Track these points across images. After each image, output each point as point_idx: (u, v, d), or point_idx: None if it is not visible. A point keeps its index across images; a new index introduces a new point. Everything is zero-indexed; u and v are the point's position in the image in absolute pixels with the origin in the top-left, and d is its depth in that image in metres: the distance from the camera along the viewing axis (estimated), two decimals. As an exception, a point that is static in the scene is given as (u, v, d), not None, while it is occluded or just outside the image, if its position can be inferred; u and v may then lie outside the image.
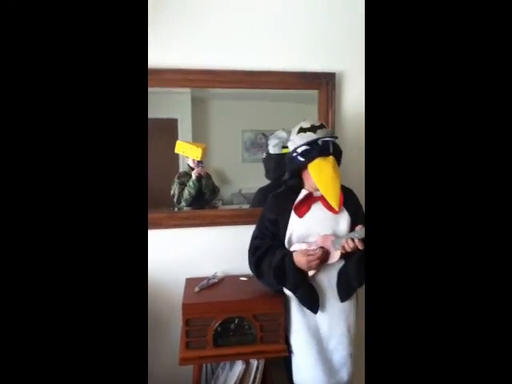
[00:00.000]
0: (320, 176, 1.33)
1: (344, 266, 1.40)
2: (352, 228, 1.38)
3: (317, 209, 1.41)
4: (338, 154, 1.40)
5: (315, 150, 1.33)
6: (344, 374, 1.45)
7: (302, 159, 1.35)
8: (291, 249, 1.41)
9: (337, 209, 1.33)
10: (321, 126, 1.39)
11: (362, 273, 1.36)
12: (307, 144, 1.35)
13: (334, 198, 1.32)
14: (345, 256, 1.38)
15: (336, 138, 1.41)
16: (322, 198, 1.40)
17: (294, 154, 1.38)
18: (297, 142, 1.38)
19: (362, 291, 1.56)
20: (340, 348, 1.43)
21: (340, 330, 1.43)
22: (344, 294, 1.41)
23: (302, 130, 1.38)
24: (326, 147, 1.34)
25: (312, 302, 1.39)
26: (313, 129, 1.37)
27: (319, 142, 1.34)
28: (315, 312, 1.39)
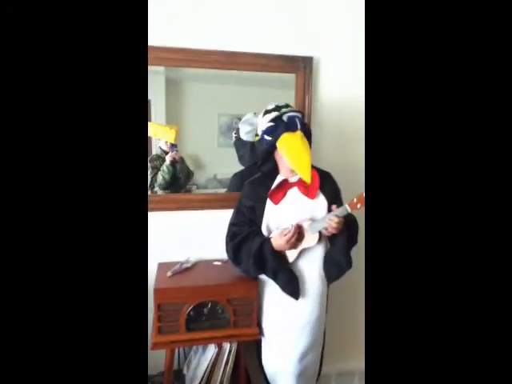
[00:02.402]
0: (288, 150, 1.31)
1: (330, 250, 1.41)
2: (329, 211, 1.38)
3: (293, 195, 1.40)
4: (306, 132, 1.38)
5: (281, 127, 1.32)
6: (311, 358, 1.47)
7: (268, 138, 1.34)
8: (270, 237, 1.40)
9: (309, 182, 1.33)
10: (285, 106, 1.38)
11: (349, 255, 1.39)
12: (272, 121, 1.33)
13: (304, 171, 1.31)
14: (329, 240, 1.39)
15: (300, 112, 1.40)
16: (297, 184, 1.40)
17: (261, 135, 1.37)
18: (263, 124, 1.37)
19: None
20: (310, 333, 1.44)
21: (312, 315, 1.44)
22: (332, 275, 1.42)
23: (266, 112, 1.38)
24: (292, 123, 1.33)
25: (293, 288, 1.38)
26: (277, 108, 1.36)
27: (284, 118, 1.33)
28: (296, 298, 1.38)
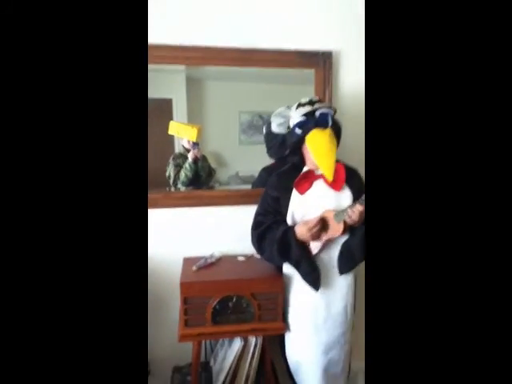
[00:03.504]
0: (315, 146, 1.34)
1: (348, 240, 1.40)
2: None
3: (318, 186, 1.41)
4: (337, 129, 1.40)
5: (312, 122, 1.34)
6: (336, 353, 1.46)
7: (299, 131, 1.37)
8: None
9: (330, 179, 1.34)
10: (319, 101, 1.40)
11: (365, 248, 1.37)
12: (304, 115, 1.36)
13: (328, 169, 1.32)
14: (349, 230, 1.38)
15: (334, 109, 1.41)
16: (323, 176, 1.40)
17: (293, 127, 1.39)
18: (295, 117, 1.39)
19: (361, 272, 1.58)
20: (335, 326, 1.44)
21: (337, 309, 1.44)
22: (345, 266, 1.40)
23: (300, 105, 1.39)
24: (323, 119, 1.35)
25: (314, 278, 1.38)
26: (310, 103, 1.38)
27: (316, 113, 1.35)
28: (317, 289, 1.38)
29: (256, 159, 1.74)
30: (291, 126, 1.42)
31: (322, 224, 1.36)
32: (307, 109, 1.36)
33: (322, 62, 1.68)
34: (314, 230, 1.33)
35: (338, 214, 1.34)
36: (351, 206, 1.31)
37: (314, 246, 1.40)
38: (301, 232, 1.36)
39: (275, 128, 1.50)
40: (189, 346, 1.50)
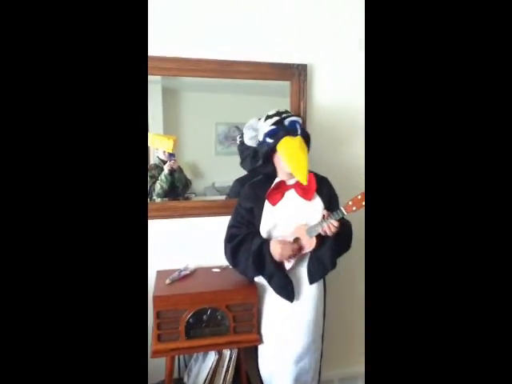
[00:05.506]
0: (288, 152, 1.36)
1: (317, 250, 1.40)
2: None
3: (290, 196, 1.43)
4: (305, 137, 1.43)
5: (282, 131, 1.37)
6: (307, 361, 1.46)
7: (270, 140, 1.38)
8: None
9: (305, 183, 1.36)
10: (286, 112, 1.43)
11: (335, 255, 1.40)
12: (274, 124, 1.38)
13: (301, 174, 1.34)
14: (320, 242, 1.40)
15: (300, 117, 1.44)
16: (295, 186, 1.42)
17: (263, 137, 1.41)
18: (265, 128, 1.41)
19: (330, 280, 1.58)
20: (306, 335, 1.44)
21: (308, 318, 1.44)
22: (315, 275, 1.42)
23: (268, 117, 1.42)
24: (293, 128, 1.39)
25: (288, 291, 1.39)
26: (278, 114, 1.42)
27: (285, 122, 1.39)
28: (291, 301, 1.40)
29: (232, 170, 1.73)
30: (260, 137, 1.44)
31: (296, 244, 1.38)
32: (276, 119, 1.39)
33: (297, 75, 1.70)
34: (285, 253, 1.35)
35: (311, 229, 1.36)
36: (322, 221, 1.33)
37: (288, 263, 1.41)
38: (274, 252, 1.37)
39: (247, 141, 1.51)
40: (161, 362, 1.46)
